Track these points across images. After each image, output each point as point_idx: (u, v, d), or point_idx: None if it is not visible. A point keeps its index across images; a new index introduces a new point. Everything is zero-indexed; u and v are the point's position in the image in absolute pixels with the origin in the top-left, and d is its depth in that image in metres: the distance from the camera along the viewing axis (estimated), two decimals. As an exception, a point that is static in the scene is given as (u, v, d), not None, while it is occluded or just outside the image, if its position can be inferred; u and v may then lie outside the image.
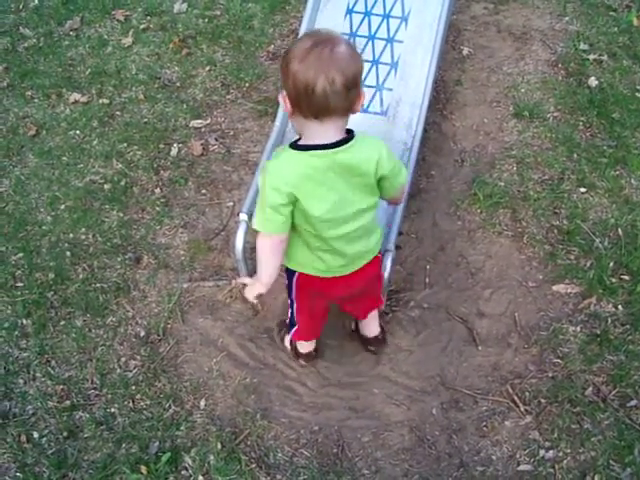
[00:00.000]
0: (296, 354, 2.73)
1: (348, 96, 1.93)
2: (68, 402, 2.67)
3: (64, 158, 3.55)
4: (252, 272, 2.83)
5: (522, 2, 4.29)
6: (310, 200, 2.03)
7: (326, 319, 2.60)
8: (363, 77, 2.01)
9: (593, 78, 3.76)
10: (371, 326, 2.72)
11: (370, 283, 2.45)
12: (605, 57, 3.91)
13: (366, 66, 3.01)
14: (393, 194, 2.23)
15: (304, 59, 1.89)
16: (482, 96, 3.70)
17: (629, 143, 3.43)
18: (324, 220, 2.07)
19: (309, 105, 1.93)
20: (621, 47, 3.97)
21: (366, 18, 3.09)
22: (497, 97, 3.70)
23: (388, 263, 2.59)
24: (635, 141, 3.45)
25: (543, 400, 2.58)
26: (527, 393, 2.61)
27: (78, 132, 3.68)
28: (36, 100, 3.89)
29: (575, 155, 3.40)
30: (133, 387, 2.68)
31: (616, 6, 4.24)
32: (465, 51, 3.95)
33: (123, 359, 2.77)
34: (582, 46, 3.96)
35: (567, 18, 4.17)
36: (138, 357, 2.77)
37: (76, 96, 3.87)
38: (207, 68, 3.99)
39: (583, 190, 3.25)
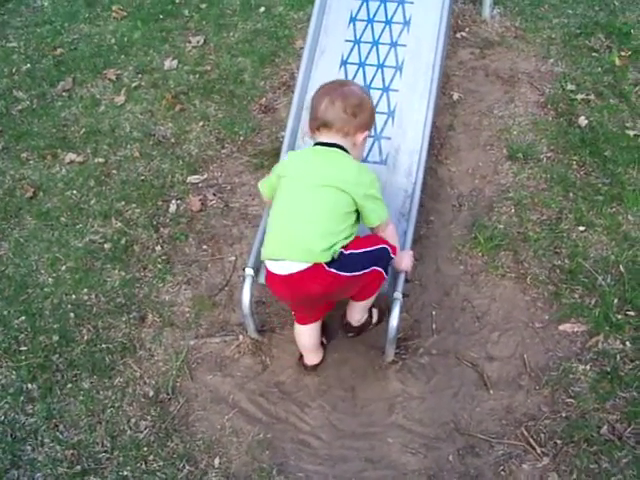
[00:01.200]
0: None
1: (343, 117, 2.50)
2: (79, 467, 2.62)
3: (62, 219, 3.55)
4: (259, 327, 2.86)
5: (507, 46, 4.37)
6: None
7: (316, 311, 2.70)
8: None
9: (583, 117, 3.82)
10: (350, 312, 2.75)
11: (323, 295, 2.50)
12: (592, 96, 3.97)
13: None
14: (370, 222, 2.53)
15: (320, 89, 2.61)
16: (475, 140, 3.75)
17: (623, 180, 3.47)
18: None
19: (314, 119, 2.56)
20: (606, 86, 4.04)
21: (360, 69, 3.14)
22: (490, 140, 3.75)
23: (396, 311, 2.60)
24: (629, 177, 3.49)
25: (559, 441, 2.56)
26: (542, 435, 2.59)
27: (75, 192, 3.68)
28: (32, 161, 3.91)
29: (571, 194, 3.43)
30: (145, 448, 2.64)
31: (597, 47, 4.32)
32: (455, 96, 4.01)
33: (133, 420, 2.74)
34: (569, 86, 4.03)
35: (552, 60, 4.25)
36: (148, 417, 2.74)
37: (71, 156, 3.89)
38: (201, 123, 4.03)
39: (582, 228, 3.28)
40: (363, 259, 2.45)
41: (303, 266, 2.37)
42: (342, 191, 2.41)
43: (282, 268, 2.42)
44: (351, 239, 2.45)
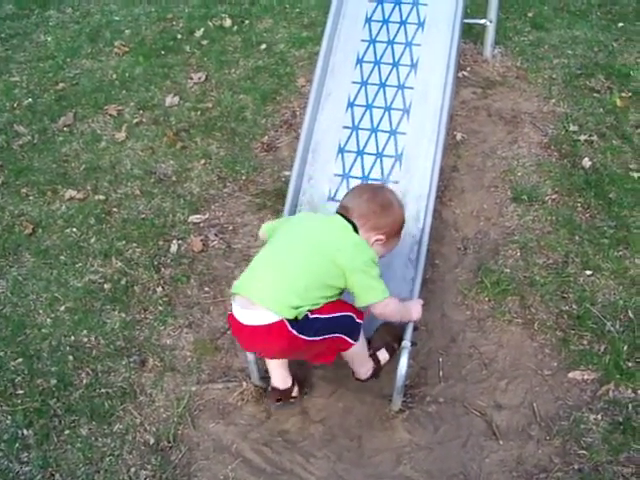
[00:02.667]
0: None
1: (363, 208, 2.52)
2: (76, 520, 2.54)
3: (62, 257, 3.49)
4: (263, 373, 2.80)
5: (509, 86, 4.38)
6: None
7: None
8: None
9: (586, 159, 3.80)
10: (353, 368, 2.68)
11: (278, 354, 2.51)
12: (595, 137, 3.97)
13: (371, 159, 3.01)
14: (364, 300, 2.44)
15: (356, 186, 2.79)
16: (479, 181, 3.73)
17: (628, 223, 3.44)
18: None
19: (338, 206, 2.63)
20: (609, 127, 4.04)
21: (368, 111, 3.12)
22: (494, 182, 3.72)
23: (404, 360, 2.55)
24: (634, 220, 3.46)
25: (572, 496, 2.50)
26: (555, 489, 2.52)
27: (75, 230, 3.63)
28: (31, 197, 3.86)
29: (577, 237, 3.40)
30: (145, 500, 2.57)
31: (598, 88, 4.34)
32: (458, 136, 3.99)
33: (133, 469, 2.65)
34: (572, 127, 4.03)
35: (553, 100, 4.26)
36: (149, 467, 2.65)
37: (72, 192, 3.85)
38: (202, 161, 4.00)
39: (589, 273, 3.24)
40: (326, 324, 2.40)
41: (268, 319, 2.31)
42: (335, 264, 2.37)
43: (248, 317, 2.37)
44: (320, 306, 2.40)
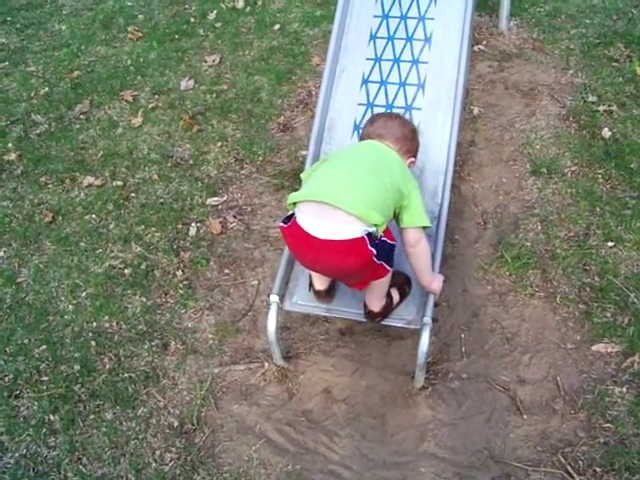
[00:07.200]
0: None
1: (398, 134, 2.61)
2: (103, 502, 2.57)
3: (82, 244, 3.51)
4: (285, 353, 2.80)
5: (525, 58, 4.31)
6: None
7: None
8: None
9: (606, 129, 3.74)
10: (369, 301, 2.60)
11: (350, 272, 2.36)
12: (614, 107, 3.90)
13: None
14: (411, 222, 2.45)
15: (376, 115, 2.83)
16: (498, 155, 3.68)
17: (651, 193, 3.40)
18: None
19: (367, 134, 2.67)
20: (629, 97, 3.97)
21: (382, 87, 3.08)
22: (513, 155, 3.68)
23: (425, 337, 2.53)
24: (657, 191, 3.41)
25: (598, 469, 2.47)
26: (580, 462, 2.50)
27: (94, 216, 3.65)
28: (50, 186, 3.88)
29: (598, 209, 3.36)
30: (171, 482, 2.58)
31: (617, 57, 4.26)
32: (475, 111, 3.94)
33: (158, 452, 2.68)
34: (590, 98, 3.96)
35: (571, 71, 4.18)
36: (173, 449, 2.67)
37: (90, 179, 3.86)
38: (219, 144, 3.99)
39: (611, 244, 3.20)
40: (388, 250, 2.36)
41: (350, 234, 2.21)
42: (394, 183, 2.39)
43: (324, 231, 2.23)
44: (386, 227, 2.37)
